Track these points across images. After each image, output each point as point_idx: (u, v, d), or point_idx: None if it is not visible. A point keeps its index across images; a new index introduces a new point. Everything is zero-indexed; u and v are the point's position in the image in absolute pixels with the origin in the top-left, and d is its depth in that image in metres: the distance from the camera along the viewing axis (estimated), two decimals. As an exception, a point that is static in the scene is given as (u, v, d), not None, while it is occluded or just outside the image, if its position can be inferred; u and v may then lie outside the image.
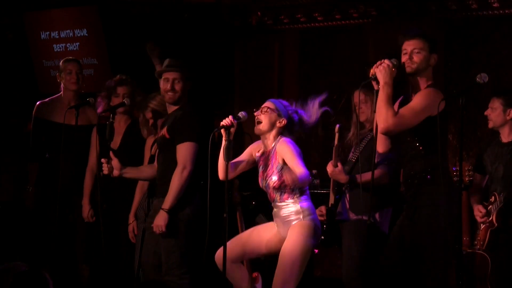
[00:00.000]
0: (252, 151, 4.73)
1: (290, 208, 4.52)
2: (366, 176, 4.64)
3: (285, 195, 4.54)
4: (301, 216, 4.49)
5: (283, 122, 4.59)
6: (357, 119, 5.05)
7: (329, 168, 4.95)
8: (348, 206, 5.00)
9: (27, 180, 6.20)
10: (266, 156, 4.62)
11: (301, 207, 4.49)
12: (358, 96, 4.92)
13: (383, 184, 4.86)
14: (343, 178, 4.92)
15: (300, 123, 4.63)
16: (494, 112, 5.35)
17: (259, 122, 4.59)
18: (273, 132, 4.59)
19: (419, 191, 4.28)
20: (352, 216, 4.97)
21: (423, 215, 4.23)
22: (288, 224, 4.52)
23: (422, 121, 4.22)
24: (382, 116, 4.17)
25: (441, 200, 4.19)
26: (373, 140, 4.54)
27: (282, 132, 4.59)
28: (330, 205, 5.06)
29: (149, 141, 5.49)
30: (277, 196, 4.56)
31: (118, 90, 5.58)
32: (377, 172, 4.79)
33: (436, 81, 4.39)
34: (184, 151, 4.86)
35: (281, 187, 4.50)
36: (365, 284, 4.84)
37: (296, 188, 4.50)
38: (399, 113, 4.19)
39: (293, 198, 4.52)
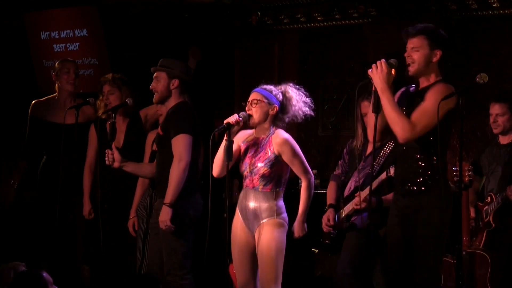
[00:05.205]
0: (238, 142, 4.68)
1: (265, 203, 4.53)
2: (389, 198, 4.71)
3: (270, 185, 4.55)
4: (275, 215, 4.54)
5: (275, 109, 4.59)
6: (363, 130, 5.03)
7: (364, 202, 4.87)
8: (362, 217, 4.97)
9: (13, 175, 6.19)
10: (257, 142, 4.62)
11: (276, 205, 4.54)
12: (366, 107, 4.83)
13: None
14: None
15: (288, 101, 4.61)
16: (503, 117, 5.34)
17: (251, 116, 4.57)
18: (267, 121, 4.60)
19: (415, 193, 4.22)
20: (363, 225, 4.95)
21: (420, 218, 4.19)
22: (257, 218, 4.55)
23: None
24: (399, 126, 4.07)
25: (437, 202, 4.16)
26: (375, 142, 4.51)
27: (275, 119, 4.60)
28: (344, 215, 5.04)
29: (151, 136, 5.49)
30: (261, 184, 4.56)
31: (103, 89, 5.59)
32: None
33: (446, 77, 4.29)
34: (178, 143, 4.83)
35: (270, 176, 4.52)
36: (356, 281, 4.85)
37: (283, 183, 4.57)
38: (412, 119, 4.07)
39: (275, 191, 4.55)
